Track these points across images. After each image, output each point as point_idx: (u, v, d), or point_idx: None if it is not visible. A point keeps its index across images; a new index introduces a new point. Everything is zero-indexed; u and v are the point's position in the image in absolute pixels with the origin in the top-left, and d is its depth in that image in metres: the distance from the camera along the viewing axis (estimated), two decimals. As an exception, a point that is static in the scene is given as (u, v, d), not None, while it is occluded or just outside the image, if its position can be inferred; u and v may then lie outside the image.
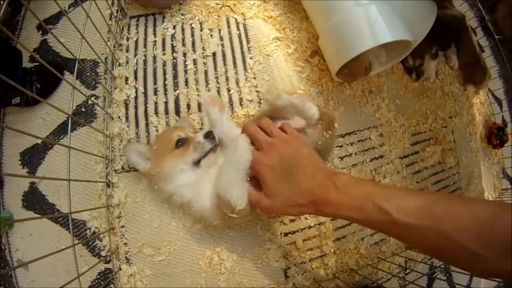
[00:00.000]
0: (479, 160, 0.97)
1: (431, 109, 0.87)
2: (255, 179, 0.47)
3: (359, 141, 0.74)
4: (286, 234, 0.65)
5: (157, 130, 0.65)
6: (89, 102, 0.68)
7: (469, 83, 0.98)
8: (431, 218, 0.35)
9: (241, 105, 0.68)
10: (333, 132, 0.57)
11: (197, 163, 0.53)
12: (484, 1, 1.04)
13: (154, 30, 0.71)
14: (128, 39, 0.70)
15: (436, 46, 0.88)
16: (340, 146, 0.72)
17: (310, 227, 0.67)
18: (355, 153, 0.73)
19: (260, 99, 0.69)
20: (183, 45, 0.70)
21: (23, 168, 0.68)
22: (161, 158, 0.54)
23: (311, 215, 0.67)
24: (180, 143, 0.53)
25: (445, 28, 0.89)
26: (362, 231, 0.71)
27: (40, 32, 0.74)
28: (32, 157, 0.68)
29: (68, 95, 0.69)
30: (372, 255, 0.72)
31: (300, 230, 0.66)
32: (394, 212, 0.37)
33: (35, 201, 0.66)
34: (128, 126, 0.65)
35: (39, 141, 0.68)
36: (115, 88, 0.67)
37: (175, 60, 0.69)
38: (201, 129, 0.65)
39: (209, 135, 0.52)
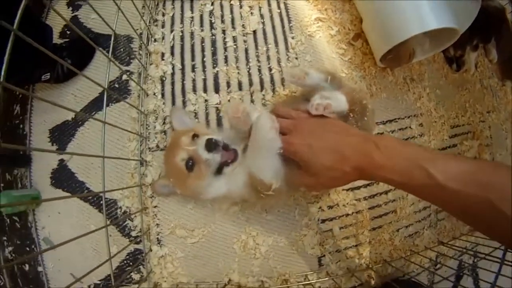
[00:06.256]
0: (514, 159, 0.93)
1: (470, 102, 0.84)
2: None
3: (399, 129, 0.72)
4: (323, 221, 0.63)
5: (195, 112, 0.63)
6: (123, 78, 0.65)
7: (507, 78, 0.94)
8: (476, 185, 0.34)
9: (283, 85, 0.65)
10: (368, 115, 0.52)
11: (218, 170, 0.50)
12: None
13: (191, 6, 0.68)
14: (163, 14, 0.68)
15: (477, 38, 0.85)
16: (381, 133, 0.69)
17: (347, 215, 0.65)
18: (396, 142, 0.70)
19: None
20: (222, 22, 0.67)
21: (52, 145, 0.66)
22: (183, 185, 0.52)
23: (348, 203, 0.64)
24: (189, 164, 0.49)
25: (487, 20, 0.86)
26: (398, 222, 0.69)
27: (71, 8, 0.73)
28: (62, 134, 0.66)
29: (100, 70, 0.67)
30: (406, 247, 0.70)
31: (337, 218, 0.64)
32: (439, 175, 0.35)
33: (64, 179, 0.64)
34: (164, 103, 0.63)
35: (69, 118, 0.66)
36: (151, 64, 0.65)
37: (214, 37, 0.66)
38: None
39: (209, 147, 0.48)
